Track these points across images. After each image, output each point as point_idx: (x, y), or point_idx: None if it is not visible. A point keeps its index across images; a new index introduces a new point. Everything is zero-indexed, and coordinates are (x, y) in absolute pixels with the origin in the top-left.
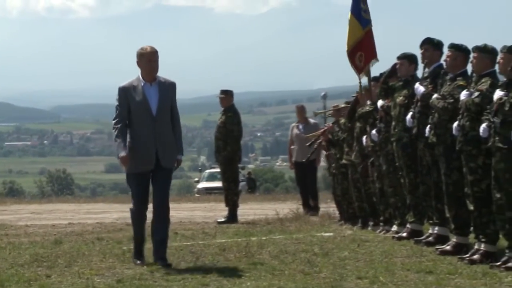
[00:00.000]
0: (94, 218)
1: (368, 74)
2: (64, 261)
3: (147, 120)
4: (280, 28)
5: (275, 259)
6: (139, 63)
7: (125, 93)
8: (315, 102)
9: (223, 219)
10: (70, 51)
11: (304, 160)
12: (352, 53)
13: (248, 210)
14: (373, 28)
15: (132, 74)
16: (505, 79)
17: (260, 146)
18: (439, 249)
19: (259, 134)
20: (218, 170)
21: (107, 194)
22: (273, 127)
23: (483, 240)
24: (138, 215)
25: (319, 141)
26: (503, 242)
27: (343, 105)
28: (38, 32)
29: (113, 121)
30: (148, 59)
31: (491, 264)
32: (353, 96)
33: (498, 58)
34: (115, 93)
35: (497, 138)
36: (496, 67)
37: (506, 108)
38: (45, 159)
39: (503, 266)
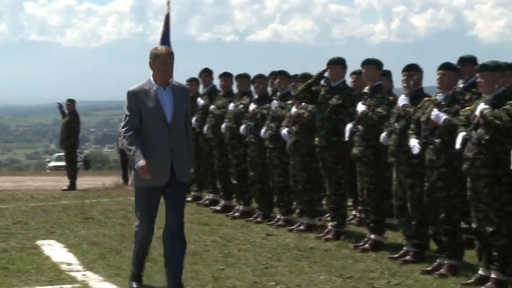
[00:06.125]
0: None
1: None
2: None
3: (161, 128)
4: (108, 58)
5: (102, 215)
6: (152, 65)
7: (135, 97)
8: None
9: (66, 187)
10: None
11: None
12: None
13: (84, 181)
14: None
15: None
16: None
17: (93, 138)
18: (213, 209)
19: (92, 130)
20: (63, 153)
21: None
22: (102, 125)
23: (241, 203)
24: (143, 237)
25: None
26: (254, 204)
27: None
28: None
29: (123, 129)
30: (162, 62)
31: (247, 219)
32: None
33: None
34: None
35: (251, 135)
36: None
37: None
38: None
39: (254, 220)
